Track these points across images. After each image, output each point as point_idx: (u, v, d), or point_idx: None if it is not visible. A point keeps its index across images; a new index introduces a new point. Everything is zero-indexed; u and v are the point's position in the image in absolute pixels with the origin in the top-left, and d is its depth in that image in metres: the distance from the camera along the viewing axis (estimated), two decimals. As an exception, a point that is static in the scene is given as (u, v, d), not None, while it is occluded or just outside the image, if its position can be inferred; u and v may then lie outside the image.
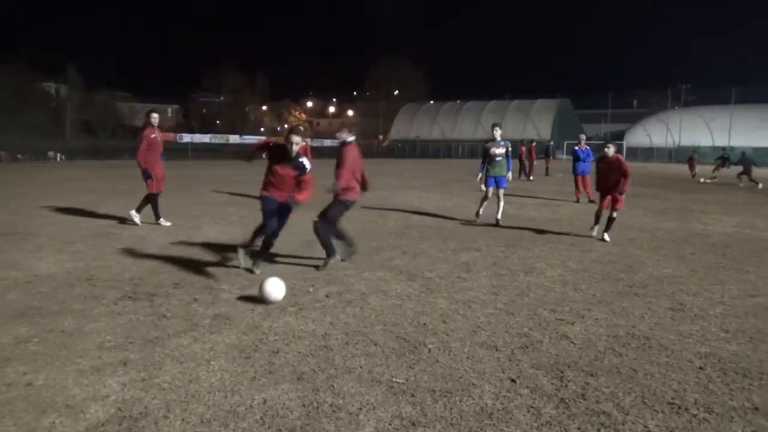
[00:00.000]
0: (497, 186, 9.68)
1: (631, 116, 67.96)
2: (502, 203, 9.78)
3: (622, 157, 8.46)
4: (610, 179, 8.26)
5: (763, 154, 39.06)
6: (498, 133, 9.56)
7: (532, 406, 3.04)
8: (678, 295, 5.42)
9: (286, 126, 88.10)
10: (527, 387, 3.28)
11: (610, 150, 8.32)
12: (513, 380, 3.37)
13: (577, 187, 14.51)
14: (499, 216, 9.67)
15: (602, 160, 8.43)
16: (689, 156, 29.33)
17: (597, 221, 8.64)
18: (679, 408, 3.06)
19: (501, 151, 9.59)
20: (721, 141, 51.49)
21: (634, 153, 55.81)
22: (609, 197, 8.32)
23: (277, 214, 5.50)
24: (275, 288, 4.61)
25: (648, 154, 57.55)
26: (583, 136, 15.43)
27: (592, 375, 3.47)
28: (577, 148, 15.04)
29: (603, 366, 3.62)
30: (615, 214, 8.39)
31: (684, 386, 3.33)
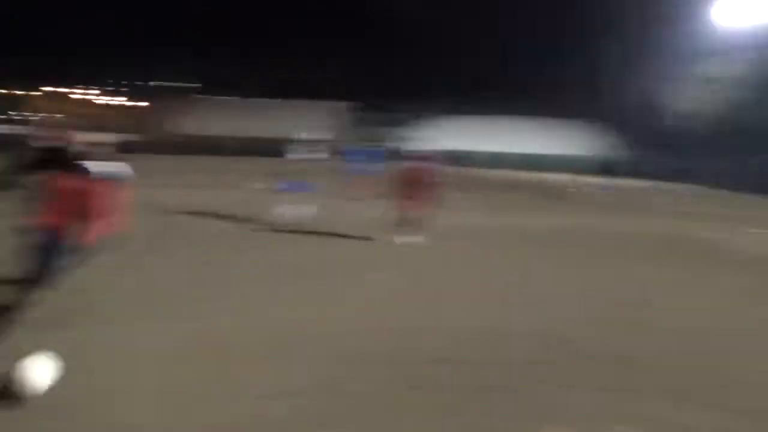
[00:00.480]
0: (295, 189, 9.66)
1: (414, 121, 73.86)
2: (300, 206, 9.59)
3: (431, 161, 8.18)
4: (412, 182, 7.88)
5: (498, 158, 46.57)
6: (307, 136, 9.63)
7: (358, 404, 3.03)
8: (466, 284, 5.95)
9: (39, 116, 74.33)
10: (355, 381, 3.29)
11: (413, 152, 8.20)
12: (334, 377, 3.33)
13: (353, 186, 14.81)
14: (292, 218, 9.34)
15: (405, 162, 8.21)
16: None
17: (401, 225, 8.02)
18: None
19: (304, 156, 9.71)
20: (470, 146, 57.99)
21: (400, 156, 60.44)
22: (411, 199, 7.89)
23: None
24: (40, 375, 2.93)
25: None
26: (360, 137, 16.66)
27: (429, 364, 3.59)
28: (351, 148, 16.15)
29: (438, 357, 3.74)
30: (419, 215, 7.97)
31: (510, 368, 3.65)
